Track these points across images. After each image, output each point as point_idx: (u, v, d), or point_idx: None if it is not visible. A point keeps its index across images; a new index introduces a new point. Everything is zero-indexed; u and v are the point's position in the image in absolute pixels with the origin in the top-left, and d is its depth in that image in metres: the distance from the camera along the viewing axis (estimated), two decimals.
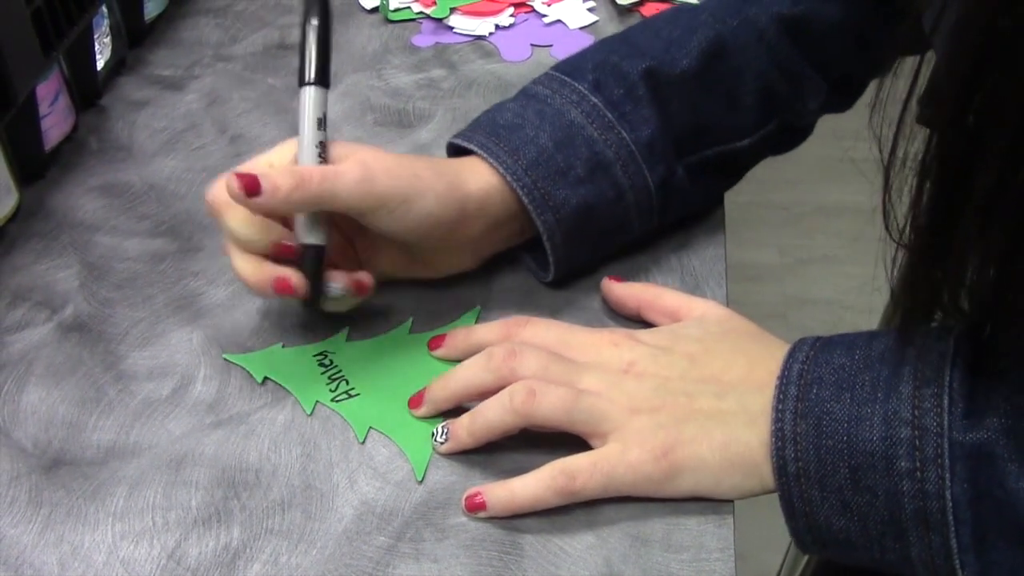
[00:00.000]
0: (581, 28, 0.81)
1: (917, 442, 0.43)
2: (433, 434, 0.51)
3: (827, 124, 0.69)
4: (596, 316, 0.58)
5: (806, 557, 0.96)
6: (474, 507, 0.48)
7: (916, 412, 0.44)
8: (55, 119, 0.68)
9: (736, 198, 0.65)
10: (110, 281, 0.61)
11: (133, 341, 0.57)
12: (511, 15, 0.83)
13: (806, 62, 0.63)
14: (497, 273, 0.61)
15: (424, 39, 0.81)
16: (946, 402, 0.43)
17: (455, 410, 0.52)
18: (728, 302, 0.58)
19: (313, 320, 0.58)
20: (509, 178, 0.55)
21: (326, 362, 0.56)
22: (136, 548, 0.48)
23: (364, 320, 0.58)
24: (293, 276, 0.52)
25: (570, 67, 0.60)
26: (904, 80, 0.42)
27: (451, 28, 0.82)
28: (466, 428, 0.50)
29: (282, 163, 0.53)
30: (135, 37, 0.80)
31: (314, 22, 0.53)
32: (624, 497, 0.49)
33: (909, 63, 0.42)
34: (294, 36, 0.80)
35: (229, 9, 0.86)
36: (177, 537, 0.48)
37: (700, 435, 0.48)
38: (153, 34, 0.83)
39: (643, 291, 0.57)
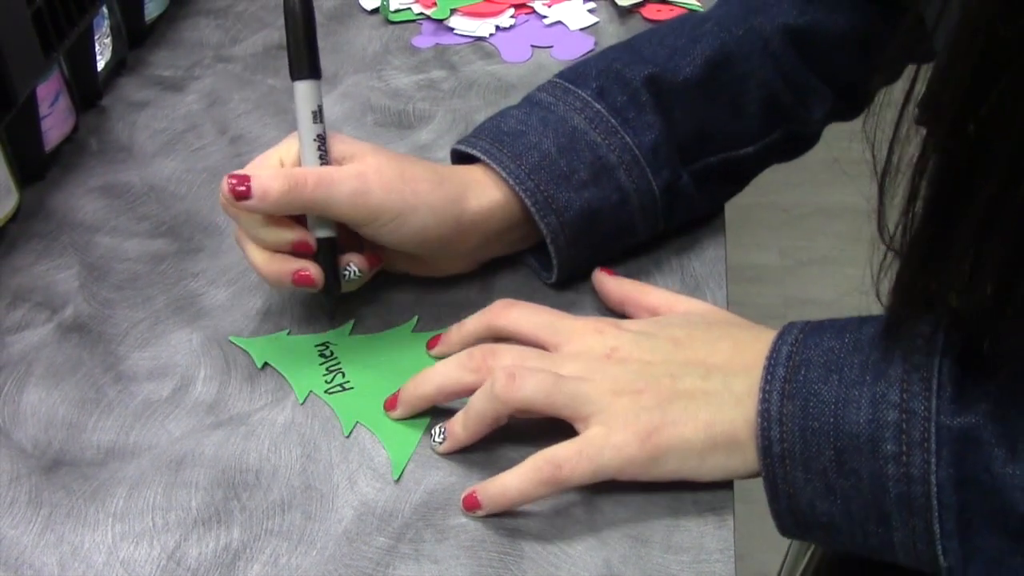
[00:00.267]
0: (582, 29, 0.81)
1: (904, 425, 0.43)
2: (431, 435, 0.51)
3: (828, 126, 0.69)
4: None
5: (806, 558, 0.96)
6: (470, 506, 0.48)
7: (904, 395, 0.43)
8: (55, 120, 0.68)
9: (737, 200, 0.65)
10: (110, 282, 0.61)
11: (133, 342, 0.57)
12: (511, 16, 0.83)
13: (812, 72, 0.62)
14: (499, 273, 0.61)
15: (424, 40, 0.81)
16: (935, 386, 0.43)
17: (450, 412, 0.52)
18: (728, 303, 0.58)
19: (316, 314, 0.58)
20: (512, 182, 0.55)
21: (327, 353, 0.56)
22: (136, 549, 0.48)
23: (370, 315, 0.58)
24: (312, 268, 0.54)
25: (574, 74, 0.60)
26: (901, 83, 0.42)
27: (451, 29, 0.82)
28: (460, 422, 0.50)
29: (290, 159, 0.55)
30: (135, 38, 0.80)
31: (295, 16, 0.54)
32: (623, 497, 0.49)
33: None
34: None
35: (229, 10, 0.86)
36: (177, 538, 0.48)
37: (684, 416, 0.48)
38: (153, 35, 0.83)
39: (631, 287, 0.57)
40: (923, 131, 0.40)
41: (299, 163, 0.54)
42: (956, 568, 0.43)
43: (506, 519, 0.48)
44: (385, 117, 0.73)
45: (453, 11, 0.83)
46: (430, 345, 0.56)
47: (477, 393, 0.50)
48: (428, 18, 0.83)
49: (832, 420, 0.44)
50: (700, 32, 0.61)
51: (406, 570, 0.46)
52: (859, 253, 0.43)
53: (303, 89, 0.54)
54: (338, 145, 0.55)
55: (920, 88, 0.40)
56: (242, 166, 0.68)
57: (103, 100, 0.76)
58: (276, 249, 0.54)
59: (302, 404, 0.54)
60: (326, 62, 0.78)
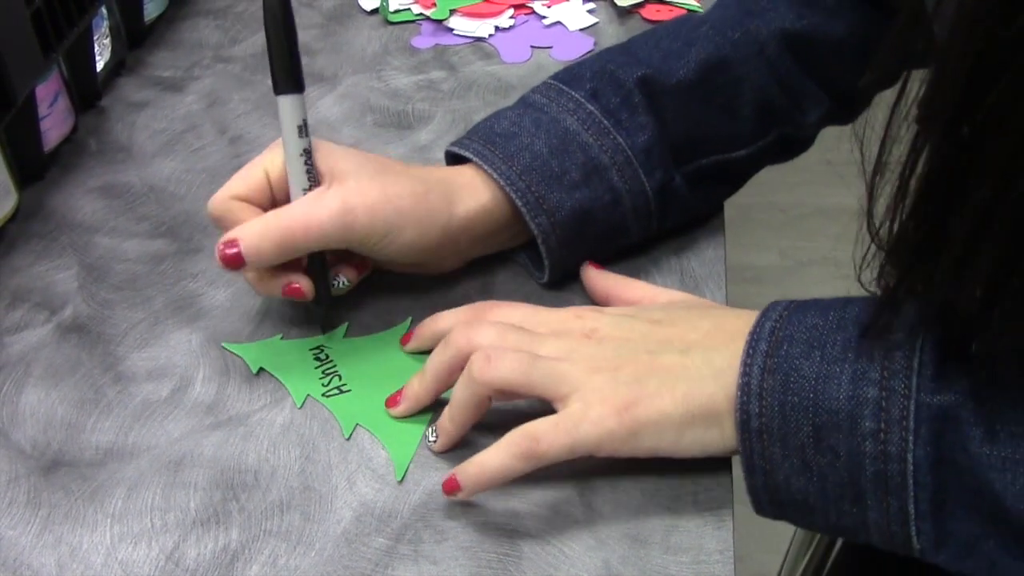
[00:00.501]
0: (581, 30, 0.81)
1: (883, 403, 0.43)
2: (425, 436, 0.52)
3: (828, 127, 0.69)
4: None
5: (805, 559, 0.96)
6: (450, 490, 0.48)
7: (885, 373, 0.43)
8: (54, 120, 0.68)
9: (736, 200, 0.65)
10: (109, 282, 0.61)
11: (132, 342, 0.57)
12: (511, 17, 0.83)
13: (808, 77, 0.62)
14: (497, 273, 0.61)
15: (424, 40, 0.81)
16: (916, 364, 0.43)
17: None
18: (727, 304, 0.58)
19: (312, 314, 0.58)
20: (502, 182, 0.56)
21: (321, 356, 0.56)
22: (135, 549, 0.48)
23: (363, 317, 0.58)
24: (302, 281, 0.55)
25: (569, 76, 0.60)
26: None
27: (451, 30, 0.82)
28: (446, 416, 0.50)
29: (275, 171, 0.55)
30: (135, 38, 0.80)
31: (277, 29, 0.52)
32: (622, 498, 0.49)
33: None
34: None
35: (229, 11, 0.86)
36: (176, 538, 0.48)
37: (662, 389, 0.48)
38: (153, 35, 0.83)
39: (615, 280, 0.57)
40: (914, 130, 0.40)
41: (285, 176, 0.54)
42: (928, 550, 0.43)
43: (505, 520, 0.48)
44: (384, 117, 0.73)
45: (452, 11, 0.83)
46: (403, 341, 0.56)
47: (458, 382, 0.50)
48: (427, 18, 0.83)
49: (812, 396, 0.44)
50: (696, 35, 0.61)
51: (405, 571, 0.46)
52: (859, 254, 0.43)
53: (287, 104, 0.53)
54: (323, 160, 0.55)
55: (911, 88, 0.40)
56: (241, 167, 0.69)
57: (102, 100, 0.76)
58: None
59: (300, 408, 0.54)
60: (326, 62, 0.79)
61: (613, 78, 0.59)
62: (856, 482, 0.44)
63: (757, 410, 0.45)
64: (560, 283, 0.59)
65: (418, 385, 0.52)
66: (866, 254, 0.43)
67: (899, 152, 0.40)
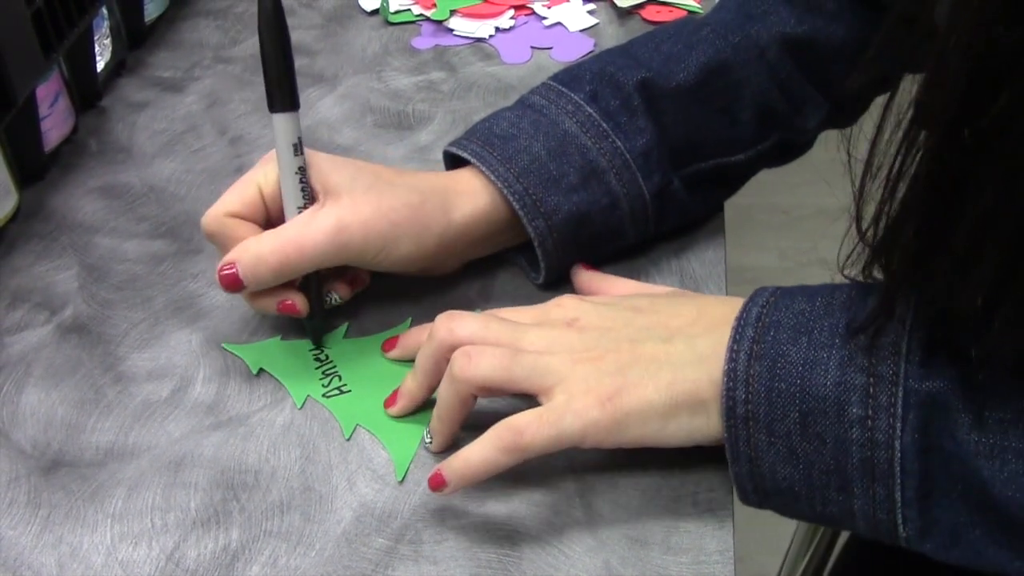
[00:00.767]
0: (581, 31, 0.81)
1: (871, 389, 0.42)
2: (423, 439, 0.52)
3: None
4: None
5: (805, 560, 0.96)
6: (436, 485, 0.48)
7: (873, 359, 0.43)
8: (55, 120, 0.68)
9: (736, 201, 0.65)
10: (109, 282, 0.61)
11: (132, 342, 0.57)
12: (511, 17, 0.83)
13: (808, 81, 0.62)
14: (496, 275, 0.61)
15: (424, 41, 0.81)
16: (904, 350, 0.43)
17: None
18: None
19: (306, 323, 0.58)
20: (500, 185, 0.56)
21: (321, 357, 0.56)
22: (135, 550, 0.48)
23: (363, 319, 0.58)
24: (296, 298, 0.55)
25: (568, 77, 0.60)
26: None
27: (451, 30, 0.82)
28: (435, 416, 0.50)
29: (269, 187, 0.55)
30: (135, 39, 0.80)
31: (272, 47, 0.52)
32: (622, 498, 0.49)
33: None
34: (294, 39, 0.80)
35: (229, 11, 0.86)
36: (176, 539, 0.48)
37: (646, 377, 0.47)
38: (153, 36, 0.83)
39: (602, 278, 0.58)
40: (903, 131, 0.39)
41: (279, 192, 0.54)
42: (914, 538, 0.43)
43: (505, 520, 0.48)
44: (385, 118, 0.73)
45: (453, 12, 0.83)
46: (385, 347, 0.56)
47: (441, 382, 0.50)
48: (428, 19, 0.83)
49: (799, 382, 0.44)
50: (696, 38, 0.61)
51: (405, 571, 0.46)
52: (843, 253, 0.43)
53: (282, 122, 0.53)
54: (316, 175, 0.54)
55: (902, 89, 0.40)
56: (241, 167, 0.69)
57: (103, 101, 0.76)
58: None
59: (300, 408, 0.54)
60: (326, 63, 0.79)
61: (613, 81, 0.59)
62: (842, 469, 0.43)
63: (743, 396, 0.45)
64: (556, 284, 0.59)
65: (411, 382, 0.52)
66: (851, 253, 0.43)
67: (891, 154, 0.40)
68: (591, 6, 0.83)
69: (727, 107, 0.61)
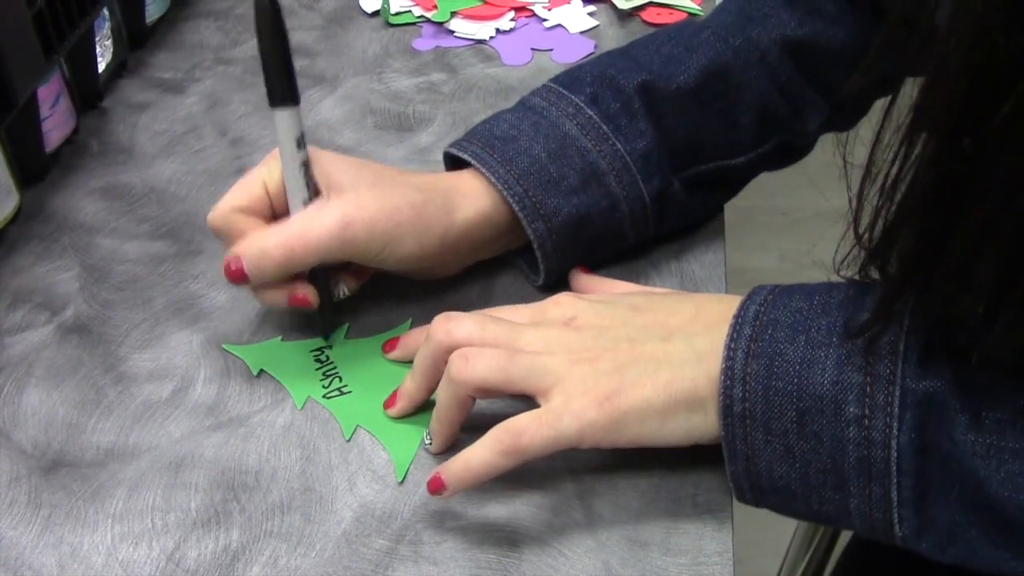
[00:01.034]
0: (582, 32, 0.81)
1: (868, 388, 0.43)
2: (423, 441, 0.52)
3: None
4: None
5: (805, 561, 0.96)
6: (435, 489, 0.48)
7: (870, 358, 0.43)
8: (56, 121, 0.69)
9: (736, 202, 0.65)
10: (110, 283, 0.61)
11: (133, 343, 0.58)
12: (512, 19, 0.83)
13: (808, 84, 0.62)
14: (496, 276, 0.61)
15: (425, 43, 0.81)
16: (902, 348, 0.43)
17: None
18: None
19: (313, 319, 0.58)
20: (500, 187, 0.56)
21: (322, 358, 0.56)
22: (135, 550, 0.48)
23: (364, 320, 0.58)
24: (306, 290, 0.55)
25: (569, 79, 0.60)
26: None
27: (452, 32, 0.82)
28: (435, 417, 0.50)
29: (274, 183, 0.55)
30: (136, 40, 0.81)
31: (270, 41, 0.51)
32: (622, 499, 0.49)
33: None
34: (294, 40, 0.80)
35: (230, 12, 0.86)
36: (176, 539, 0.48)
37: (644, 377, 0.47)
38: (154, 37, 0.83)
39: (600, 281, 0.58)
40: (902, 136, 0.39)
41: (283, 188, 0.54)
42: (911, 537, 0.43)
43: (505, 521, 0.49)
44: (385, 119, 0.74)
45: (453, 14, 0.83)
46: (386, 348, 0.56)
47: (440, 383, 0.50)
48: (428, 21, 0.83)
49: (796, 380, 0.44)
50: (697, 41, 0.61)
51: (405, 572, 0.47)
52: (839, 255, 0.43)
53: (284, 117, 0.52)
54: (320, 171, 0.54)
55: (902, 94, 0.40)
56: (242, 168, 0.69)
57: (104, 102, 0.76)
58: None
59: (301, 409, 0.54)
60: (326, 64, 0.79)
61: (613, 83, 0.59)
62: (839, 468, 0.43)
63: (741, 395, 0.45)
64: (556, 285, 0.59)
65: (410, 383, 0.52)
66: (847, 256, 0.43)
67: (890, 159, 0.40)
68: (591, 8, 0.84)
69: (727, 110, 0.61)
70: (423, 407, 0.53)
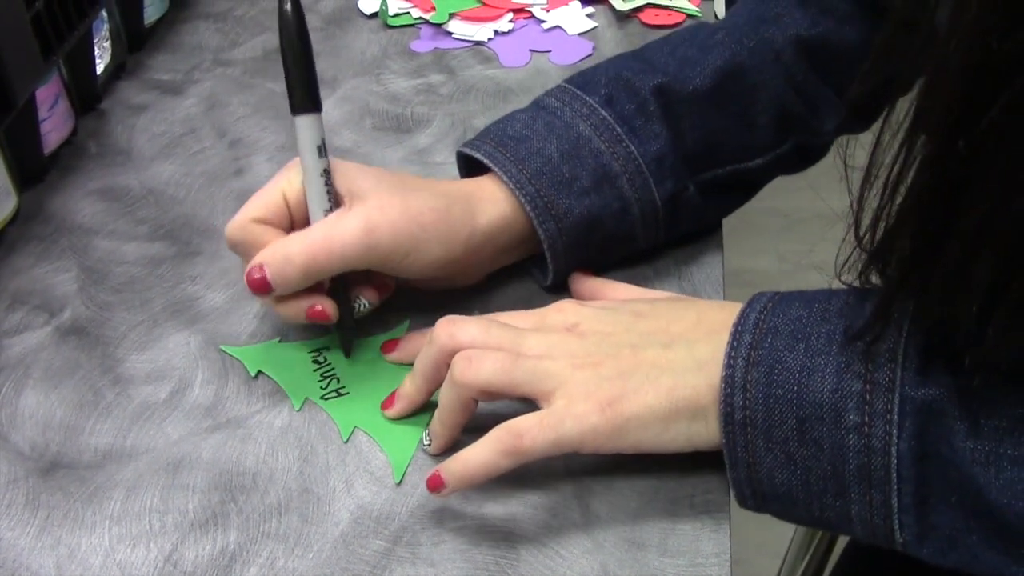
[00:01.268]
0: (580, 34, 0.81)
1: (868, 396, 0.43)
2: (421, 441, 0.52)
3: None
4: None
5: (804, 563, 0.96)
6: (434, 486, 0.48)
7: (869, 366, 0.43)
8: (54, 123, 0.69)
9: None
10: (108, 285, 0.61)
11: (131, 345, 0.58)
12: (510, 21, 0.83)
13: (823, 84, 0.62)
14: (497, 276, 0.61)
15: (423, 44, 0.81)
16: (901, 357, 0.43)
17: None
18: None
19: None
20: (512, 186, 0.56)
21: (320, 359, 0.56)
22: (133, 551, 0.48)
23: (362, 320, 0.58)
24: (325, 303, 0.54)
25: (583, 80, 0.60)
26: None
27: (450, 34, 0.82)
28: (436, 418, 0.50)
29: (293, 193, 0.54)
30: (135, 41, 0.81)
31: (295, 50, 0.52)
32: (619, 500, 0.49)
33: None
34: None
35: (229, 14, 0.86)
36: (174, 540, 0.48)
37: (646, 384, 0.48)
38: (153, 38, 0.83)
39: (601, 283, 0.58)
40: (903, 140, 0.39)
41: (303, 197, 0.54)
42: (912, 543, 0.43)
43: (502, 523, 0.49)
44: (383, 121, 0.74)
45: (452, 15, 0.83)
46: (385, 349, 0.56)
47: (443, 385, 0.50)
48: (427, 22, 0.83)
49: (796, 388, 0.44)
50: (711, 42, 0.61)
51: (402, 573, 0.47)
52: (841, 258, 0.43)
53: (306, 123, 0.52)
54: (341, 179, 0.54)
55: (902, 98, 0.40)
56: (241, 170, 0.69)
57: (102, 103, 0.76)
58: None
59: (298, 411, 0.54)
60: (325, 65, 0.79)
61: (628, 85, 0.59)
62: (839, 475, 0.44)
63: (741, 403, 0.45)
64: (562, 286, 0.59)
65: (409, 385, 0.52)
66: (848, 259, 0.43)
67: (889, 161, 0.40)
68: (590, 9, 0.84)
69: (744, 111, 0.61)
70: (421, 408, 0.53)
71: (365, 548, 0.48)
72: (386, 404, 0.53)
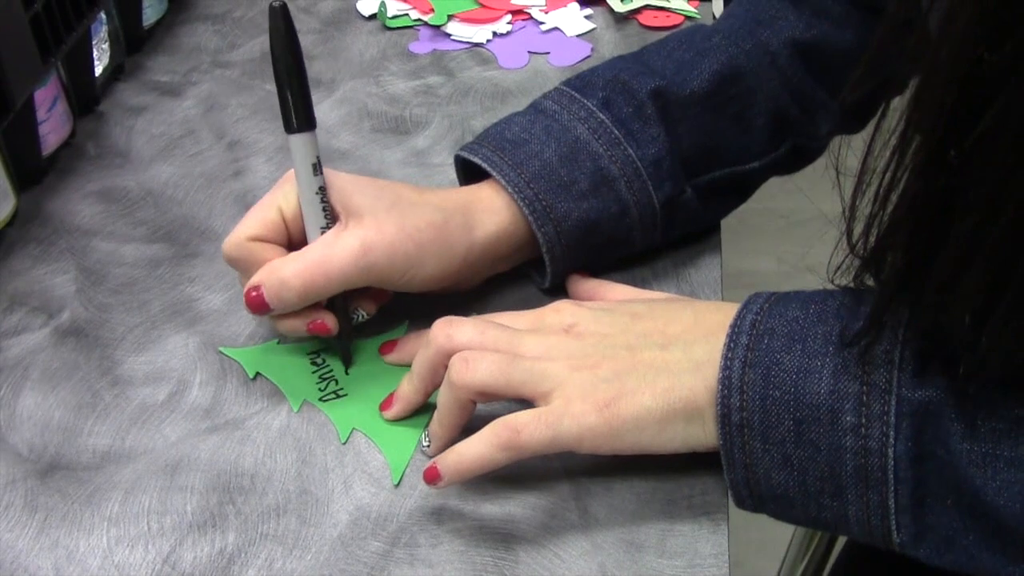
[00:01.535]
0: (578, 36, 0.81)
1: (864, 397, 0.43)
2: (419, 442, 0.52)
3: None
4: None
5: (803, 564, 0.96)
6: (431, 478, 0.48)
7: (866, 368, 0.43)
8: (53, 125, 0.69)
9: None
10: (107, 286, 0.61)
11: (129, 346, 0.58)
12: (508, 22, 0.83)
13: (819, 86, 0.62)
14: (495, 277, 0.61)
15: (422, 46, 0.81)
16: (897, 358, 0.43)
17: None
18: None
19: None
20: (511, 190, 0.56)
21: (319, 361, 0.56)
22: (131, 553, 0.48)
23: (360, 322, 0.58)
24: (325, 317, 0.54)
25: (581, 83, 0.60)
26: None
27: (449, 35, 0.82)
28: (435, 420, 0.51)
29: (290, 208, 0.54)
30: (133, 43, 0.81)
31: (287, 68, 0.51)
32: (617, 501, 0.49)
33: None
34: None
35: (227, 16, 0.86)
36: (172, 542, 0.48)
37: (643, 385, 0.48)
38: (151, 40, 0.83)
39: (598, 284, 0.58)
40: (894, 148, 0.39)
41: (300, 213, 0.54)
42: (908, 544, 0.43)
43: (501, 524, 0.49)
44: (382, 122, 0.74)
45: (450, 17, 0.83)
46: (384, 350, 0.56)
47: (440, 387, 0.50)
48: (425, 24, 0.83)
49: (793, 390, 0.44)
50: (708, 46, 0.61)
51: (400, 574, 0.47)
52: (835, 261, 0.43)
53: (300, 142, 0.52)
54: (337, 196, 0.54)
55: (895, 104, 0.40)
56: (239, 172, 0.69)
57: (101, 105, 0.76)
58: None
59: (297, 412, 0.54)
60: (323, 67, 0.79)
61: (626, 88, 0.59)
62: (836, 476, 0.44)
63: (738, 404, 0.45)
64: (560, 288, 0.59)
65: (407, 386, 0.52)
66: (841, 264, 0.43)
67: (881, 167, 0.40)
68: (588, 11, 0.84)
69: (741, 114, 0.61)
70: (420, 410, 0.53)
71: (363, 549, 0.48)
72: (384, 405, 0.53)
